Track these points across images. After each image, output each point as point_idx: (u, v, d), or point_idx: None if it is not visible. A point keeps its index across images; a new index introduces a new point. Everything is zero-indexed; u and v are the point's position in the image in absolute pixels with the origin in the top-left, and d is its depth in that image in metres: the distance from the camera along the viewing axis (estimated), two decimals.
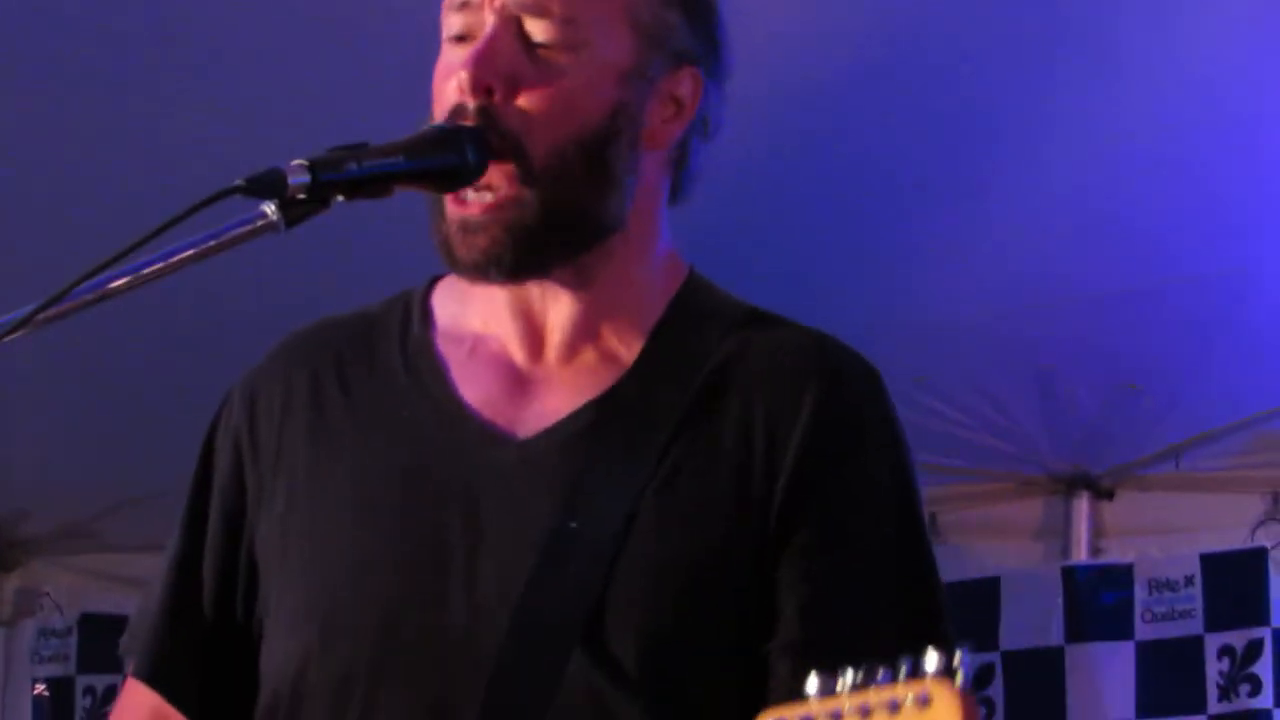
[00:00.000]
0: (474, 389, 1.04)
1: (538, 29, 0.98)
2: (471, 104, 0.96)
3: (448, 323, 1.08)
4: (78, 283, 0.86)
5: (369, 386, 1.08)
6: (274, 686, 1.03)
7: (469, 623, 0.99)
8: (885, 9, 2.39)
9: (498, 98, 0.97)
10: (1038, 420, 3.31)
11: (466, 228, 0.98)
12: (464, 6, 1.01)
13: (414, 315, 1.10)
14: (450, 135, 0.95)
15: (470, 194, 0.98)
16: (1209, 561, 3.30)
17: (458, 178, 0.95)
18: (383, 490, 1.04)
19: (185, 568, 1.10)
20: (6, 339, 0.87)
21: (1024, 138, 2.71)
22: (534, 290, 1.03)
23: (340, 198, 0.91)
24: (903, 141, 2.73)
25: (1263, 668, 3.21)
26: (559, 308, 1.04)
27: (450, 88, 0.99)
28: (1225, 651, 3.26)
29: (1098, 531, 3.42)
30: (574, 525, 0.99)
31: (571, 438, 1.01)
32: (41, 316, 0.86)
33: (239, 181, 0.87)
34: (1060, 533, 3.47)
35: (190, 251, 0.89)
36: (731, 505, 0.99)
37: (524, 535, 0.99)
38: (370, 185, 0.93)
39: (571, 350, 1.05)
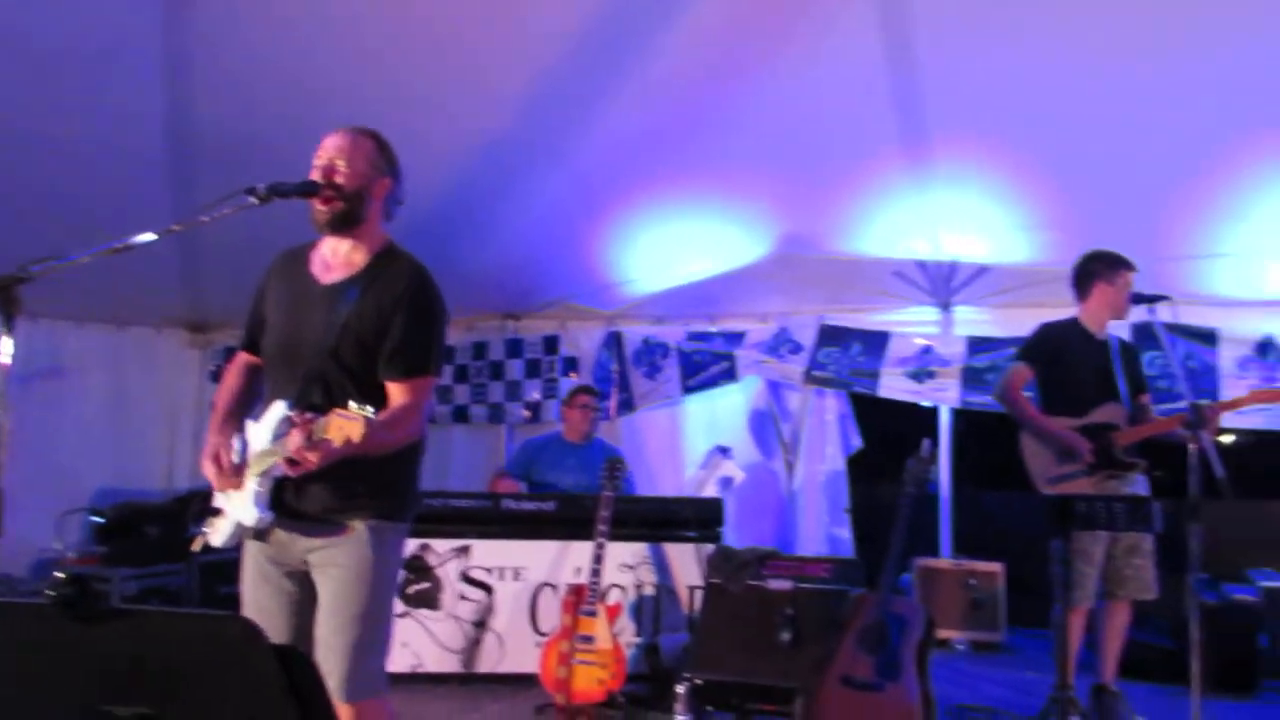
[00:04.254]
0: (316, 271, 2.69)
1: (340, 161, 2.64)
2: (322, 177, 2.63)
3: (318, 252, 2.72)
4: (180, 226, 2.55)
5: (293, 270, 2.73)
6: (265, 355, 2.73)
7: (305, 342, 2.58)
8: None
9: (330, 176, 2.63)
10: None
11: (320, 213, 2.64)
12: (320, 158, 2.64)
13: (309, 249, 2.75)
14: (310, 184, 2.58)
15: (319, 203, 2.62)
16: None
17: (311, 195, 2.59)
18: (287, 299, 2.68)
19: (250, 318, 2.78)
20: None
21: None
22: (336, 241, 2.67)
23: (276, 198, 2.48)
24: None
25: None
26: (343, 245, 2.68)
27: (316, 171, 2.62)
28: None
29: None
30: (338, 312, 2.57)
31: (341, 287, 2.63)
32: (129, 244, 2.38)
33: (244, 189, 2.45)
34: None
35: (228, 209, 2.42)
36: (383, 311, 2.58)
37: (324, 315, 2.59)
38: (284, 195, 2.49)
39: (344, 261, 2.68)
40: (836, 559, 4.75)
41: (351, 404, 2.25)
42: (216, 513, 2.67)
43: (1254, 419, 5.21)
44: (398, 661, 4.78)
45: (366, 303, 2.57)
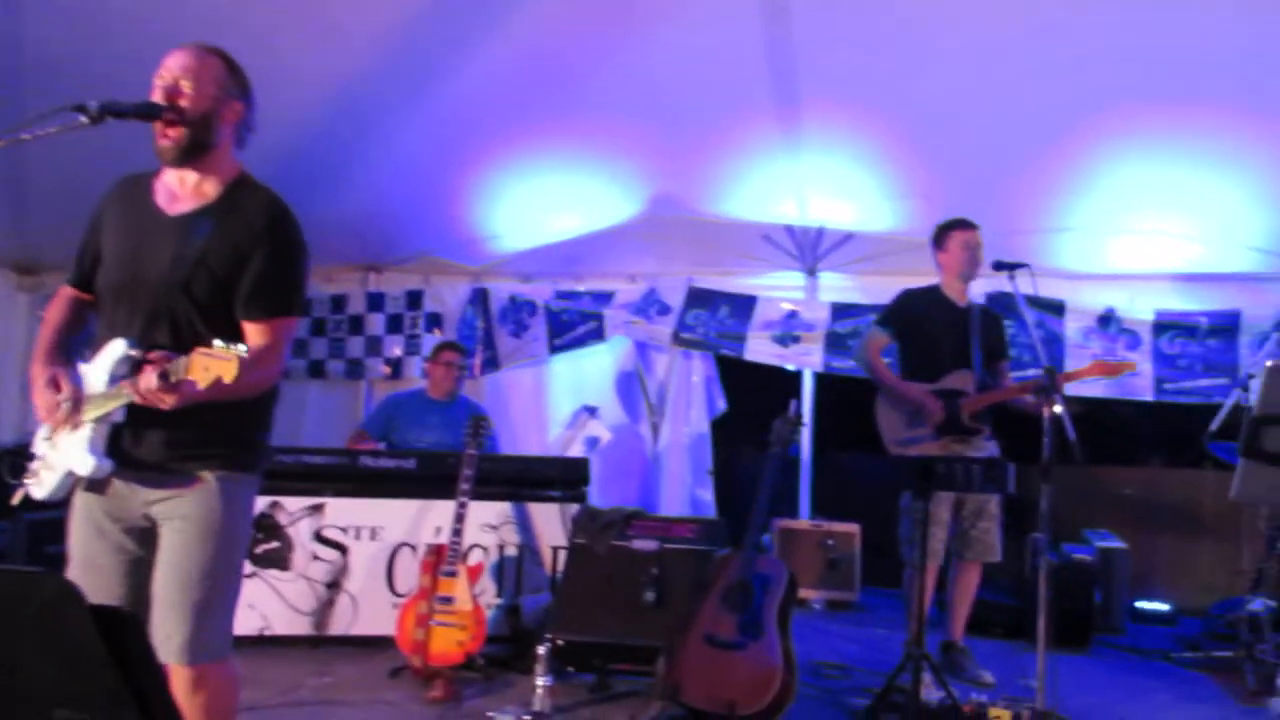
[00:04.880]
0: (161, 201, 2.44)
1: (185, 82, 2.37)
2: (164, 99, 2.37)
3: (162, 180, 2.48)
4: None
5: (134, 198, 2.47)
6: (100, 291, 2.45)
7: (150, 277, 2.34)
8: None
9: (174, 99, 2.37)
10: None
11: (165, 148, 2.40)
12: (162, 78, 2.37)
13: (152, 177, 2.49)
14: (151, 105, 2.33)
15: (164, 130, 2.36)
16: None
17: (152, 118, 2.34)
18: (127, 230, 2.43)
19: (82, 250, 2.51)
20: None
21: None
22: (184, 171, 2.43)
23: (109, 118, 2.21)
24: None
25: None
26: (191, 175, 2.44)
27: (158, 93, 2.36)
28: None
29: None
30: (190, 245, 2.36)
31: (192, 219, 2.40)
32: None
33: (73, 105, 2.17)
34: None
35: (54, 128, 2.17)
36: (241, 246, 2.37)
37: (173, 248, 2.36)
38: (119, 115, 2.23)
39: (193, 191, 2.45)
40: (702, 519, 4.72)
41: (217, 342, 2.06)
42: (34, 459, 2.43)
43: (1091, 388, 5.44)
44: (244, 624, 4.54)
45: (222, 236, 2.36)
